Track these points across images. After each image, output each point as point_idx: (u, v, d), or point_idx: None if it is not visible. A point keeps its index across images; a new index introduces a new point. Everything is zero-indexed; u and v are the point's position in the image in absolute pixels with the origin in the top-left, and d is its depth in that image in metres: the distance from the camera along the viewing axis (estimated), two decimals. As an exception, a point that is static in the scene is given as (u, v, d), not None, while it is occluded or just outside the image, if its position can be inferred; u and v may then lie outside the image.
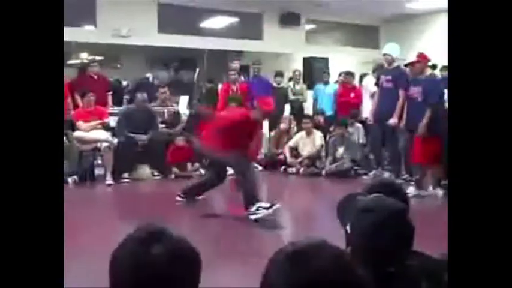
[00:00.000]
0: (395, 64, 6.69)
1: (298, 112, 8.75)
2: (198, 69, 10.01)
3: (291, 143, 7.74)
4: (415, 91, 5.88)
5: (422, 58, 5.87)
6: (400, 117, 6.40)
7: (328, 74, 9.28)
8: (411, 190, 5.63)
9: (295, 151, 7.68)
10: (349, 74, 8.55)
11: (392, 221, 1.32)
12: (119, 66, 12.97)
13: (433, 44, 9.80)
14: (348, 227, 1.34)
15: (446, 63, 6.46)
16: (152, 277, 0.96)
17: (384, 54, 6.80)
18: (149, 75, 9.05)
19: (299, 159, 7.58)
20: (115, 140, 6.67)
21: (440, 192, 5.72)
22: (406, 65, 6.16)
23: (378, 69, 7.65)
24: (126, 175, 6.69)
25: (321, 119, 8.21)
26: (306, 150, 7.55)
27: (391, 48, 6.78)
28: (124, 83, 10.18)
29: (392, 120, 6.43)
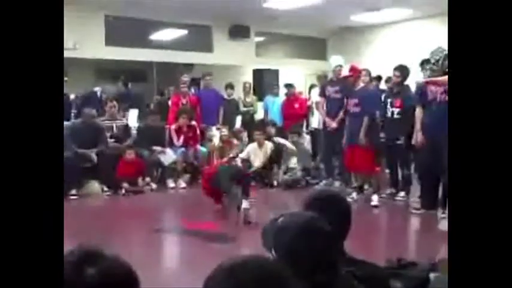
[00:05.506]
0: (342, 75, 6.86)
1: (249, 124, 8.82)
2: (147, 82, 9.87)
3: (243, 154, 7.75)
4: (352, 103, 6.07)
5: (354, 71, 6.08)
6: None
7: (278, 86, 9.42)
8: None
9: (247, 162, 7.69)
10: (289, 86, 8.72)
11: (308, 234, 1.36)
12: (66, 79, 12.60)
13: (378, 55, 10.16)
14: (272, 252, 1.37)
15: (390, 75, 6.65)
16: None
17: (336, 67, 6.85)
18: (97, 89, 8.87)
19: (250, 171, 7.61)
20: (62, 156, 6.48)
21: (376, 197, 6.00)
22: (342, 78, 6.30)
23: (321, 80, 7.85)
24: (74, 191, 6.51)
25: (272, 130, 8.30)
26: (257, 161, 7.60)
27: (336, 61, 6.93)
28: (72, 96, 9.89)
29: (334, 125, 6.61)
